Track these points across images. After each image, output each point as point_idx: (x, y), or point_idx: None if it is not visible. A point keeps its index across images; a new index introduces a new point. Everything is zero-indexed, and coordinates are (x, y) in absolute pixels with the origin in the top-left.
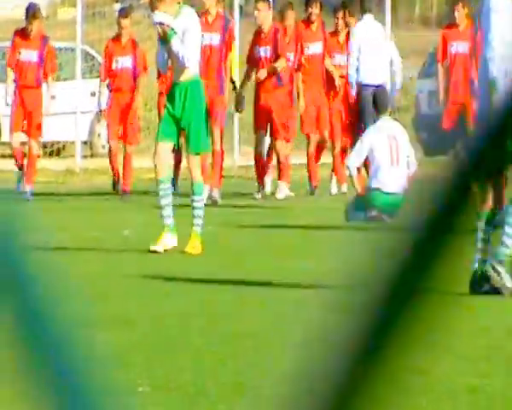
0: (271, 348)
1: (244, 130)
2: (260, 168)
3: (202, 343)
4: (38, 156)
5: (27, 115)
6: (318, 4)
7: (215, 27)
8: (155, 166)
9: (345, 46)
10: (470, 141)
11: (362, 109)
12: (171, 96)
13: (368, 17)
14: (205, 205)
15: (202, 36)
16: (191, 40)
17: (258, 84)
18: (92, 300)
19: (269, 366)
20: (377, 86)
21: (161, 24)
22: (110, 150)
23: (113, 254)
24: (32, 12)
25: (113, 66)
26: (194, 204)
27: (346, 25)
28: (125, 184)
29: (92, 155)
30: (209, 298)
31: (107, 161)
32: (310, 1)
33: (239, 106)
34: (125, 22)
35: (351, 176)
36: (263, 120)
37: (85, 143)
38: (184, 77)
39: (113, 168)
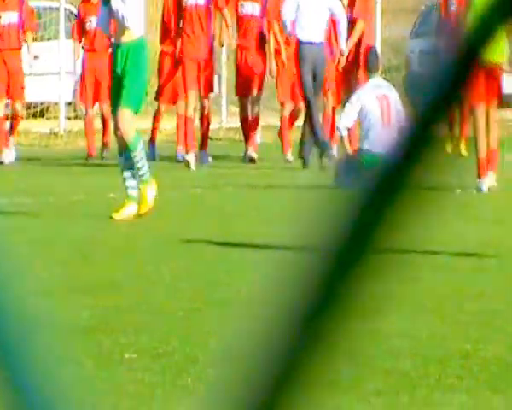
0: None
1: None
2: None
3: (189, 309)
4: (22, 118)
5: (10, 77)
6: None
7: None
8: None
9: None
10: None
11: (299, 67)
12: (114, 60)
13: None
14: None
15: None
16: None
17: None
18: (78, 265)
19: (256, 331)
20: (316, 44)
21: None
22: (87, 116)
23: (98, 217)
24: None
25: (87, 26)
26: (132, 160)
27: None
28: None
29: (76, 117)
30: (196, 263)
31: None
32: None
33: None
34: None
35: (341, 137)
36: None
37: (70, 104)
38: (126, 38)
39: (92, 135)
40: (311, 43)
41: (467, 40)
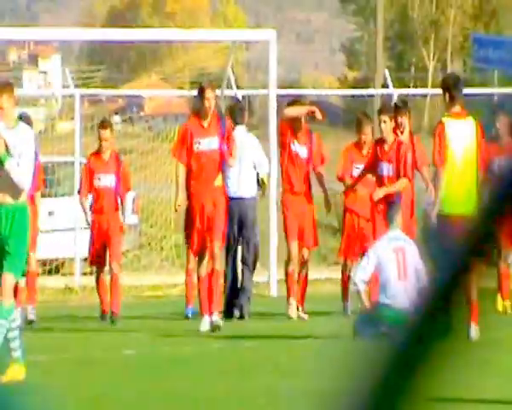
0: None
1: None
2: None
3: None
4: (37, 274)
5: None
6: None
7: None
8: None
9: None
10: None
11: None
12: None
13: (240, 128)
14: None
15: (199, 142)
16: (27, 163)
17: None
18: None
19: None
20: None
21: None
22: (98, 277)
23: (113, 374)
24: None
25: (95, 184)
26: (7, 328)
27: None
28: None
29: (92, 272)
30: None
31: (108, 277)
32: None
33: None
34: (105, 134)
35: (358, 291)
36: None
37: (85, 259)
38: (17, 199)
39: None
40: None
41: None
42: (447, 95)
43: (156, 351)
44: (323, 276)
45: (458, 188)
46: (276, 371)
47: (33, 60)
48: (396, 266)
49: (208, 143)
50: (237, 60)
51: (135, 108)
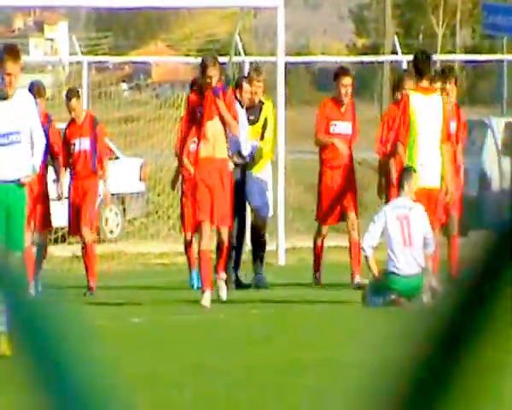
0: None
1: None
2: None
3: None
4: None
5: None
6: None
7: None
8: None
9: None
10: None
11: None
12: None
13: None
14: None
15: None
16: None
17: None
18: None
19: None
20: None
21: None
22: (85, 244)
23: (121, 343)
24: (35, 89)
25: (71, 150)
26: None
27: None
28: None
29: (100, 241)
30: (226, 390)
31: (115, 245)
32: None
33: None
34: (72, 104)
35: (366, 257)
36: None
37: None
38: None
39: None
40: None
41: None
42: (416, 69)
43: (163, 320)
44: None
45: (422, 162)
46: (286, 341)
47: (39, 27)
48: (400, 234)
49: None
50: (245, 27)
51: (142, 75)
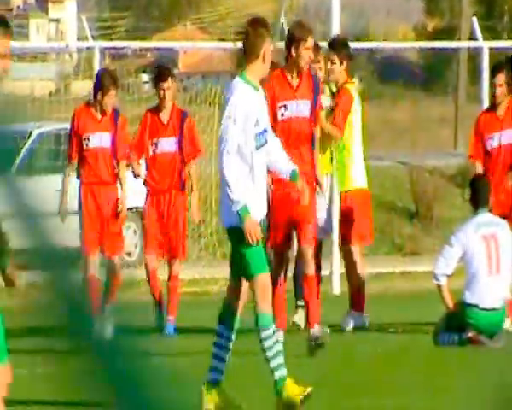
0: None
1: None
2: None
3: None
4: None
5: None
6: None
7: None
8: None
9: None
10: None
11: None
12: None
13: None
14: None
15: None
16: None
17: None
18: None
19: None
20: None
21: None
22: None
23: None
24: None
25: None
26: None
27: None
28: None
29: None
30: None
31: (135, 271)
32: None
33: None
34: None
35: (439, 287)
36: None
37: None
38: None
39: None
40: None
41: None
42: None
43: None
44: (397, 269)
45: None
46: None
47: (42, 5)
48: (486, 258)
49: None
50: (292, 6)
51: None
